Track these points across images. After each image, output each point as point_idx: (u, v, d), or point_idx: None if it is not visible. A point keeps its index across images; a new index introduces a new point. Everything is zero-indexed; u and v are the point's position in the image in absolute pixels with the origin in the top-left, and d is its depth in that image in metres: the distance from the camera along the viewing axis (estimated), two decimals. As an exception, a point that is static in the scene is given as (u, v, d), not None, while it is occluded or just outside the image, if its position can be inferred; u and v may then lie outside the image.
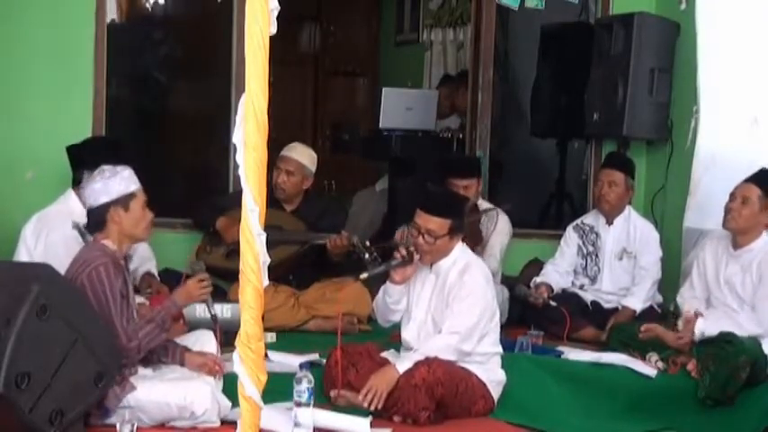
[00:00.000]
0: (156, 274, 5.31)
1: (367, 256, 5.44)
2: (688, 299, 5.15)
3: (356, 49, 10.20)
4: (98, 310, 3.86)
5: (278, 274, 5.00)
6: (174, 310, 4.13)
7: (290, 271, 5.71)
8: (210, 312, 4.31)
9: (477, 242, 5.68)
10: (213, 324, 4.34)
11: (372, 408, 4.11)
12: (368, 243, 5.56)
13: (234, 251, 5.12)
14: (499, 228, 5.92)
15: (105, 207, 3.99)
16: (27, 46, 5.87)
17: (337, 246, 5.60)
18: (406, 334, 4.49)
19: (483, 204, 6.02)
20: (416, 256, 4.36)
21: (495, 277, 5.59)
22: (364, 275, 4.56)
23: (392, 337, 4.84)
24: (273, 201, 5.70)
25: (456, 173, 5.85)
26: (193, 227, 6.00)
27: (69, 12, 5.94)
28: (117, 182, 4.00)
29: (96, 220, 4.03)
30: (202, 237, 5.83)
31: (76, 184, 4.83)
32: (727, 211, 4.95)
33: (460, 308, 4.30)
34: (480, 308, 4.33)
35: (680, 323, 4.99)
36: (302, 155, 5.86)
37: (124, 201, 4.00)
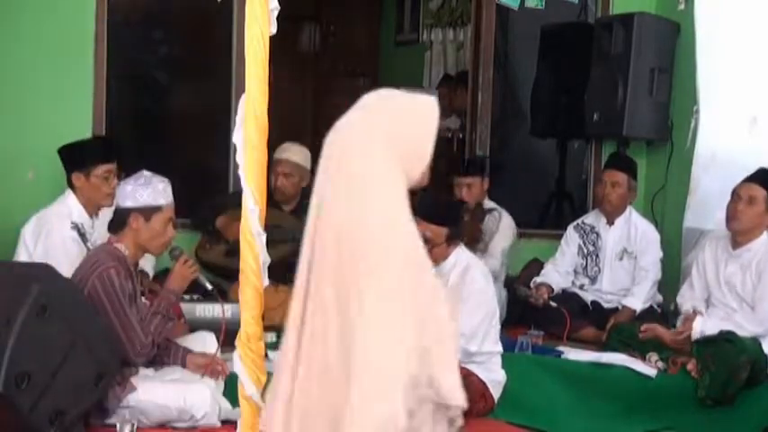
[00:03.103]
0: (149, 273, 5.27)
1: None
2: (688, 299, 5.15)
3: (356, 49, 10.19)
4: (111, 312, 3.87)
5: (276, 272, 4.98)
6: (172, 297, 4.14)
7: (288, 269, 5.69)
8: (206, 287, 4.30)
9: (476, 240, 5.68)
10: (215, 296, 4.32)
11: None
12: None
13: (233, 250, 5.12)
14: (502, 228, 5.91)
15: (128, 211, 4.00)
16: (27, 46, 5.87)
17: None
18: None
19: (487, 204, 6.01)
20: None
21: (498, 278, 5.59)
22: None
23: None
24: (272, 202, 5.70)
25: (459, 170, 5.88)
26: (193, 227, 5.99)
27: (69, 12, 5.93)
28: (147, 191, 4.01)
29: (117, 220, 4.05)
30: (201, 234, 5.83)
31: (69, 185, 4.81)
32: (733, 211, 4.93)
33: (464, 309, 4.30)
34: (483, 308, 4.34)
35: (679, 321, 5.00)
36: (297, 154, 5.85)
37: (147, 211, 4.00)
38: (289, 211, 5.86)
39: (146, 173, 4.09)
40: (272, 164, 5.72)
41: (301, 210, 5.85)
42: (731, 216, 4.94)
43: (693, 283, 5.18)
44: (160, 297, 4.12)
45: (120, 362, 3.90)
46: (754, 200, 4.89)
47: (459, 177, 5.84)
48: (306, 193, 5.90)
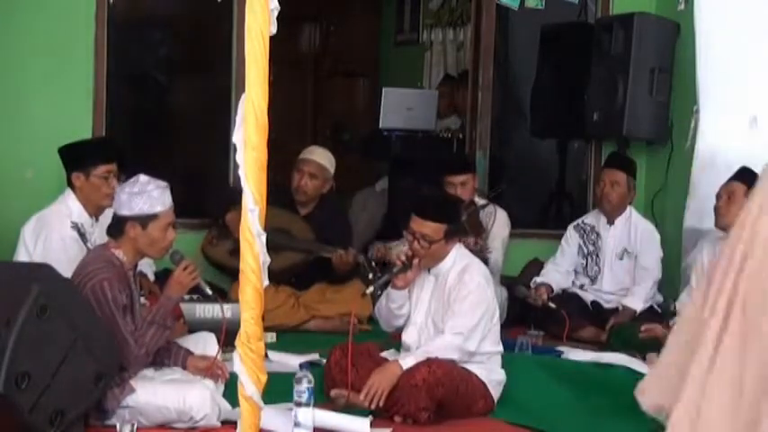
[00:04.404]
0: (148, 274, 5.26)
1: (371, 275, 5.44)
2: (688, 304, 5.15)
3: (356, 49, 10.18)
4: (105, 322, 3.86)
5: (280, 277, 4.97)
6: (170, 305, 4.10)
7: (292, 275, 5.70)
8: (207, 293, 4.26)
9: (478, 233, 5.70)
10: (215, 301, 4.31)
11: (373, 406, 4.11)
12: (373, 263, 5.58)
13: (238, 249, 5.11)
14: (498, 221, 5.95)
15: (124, 219, 3.96)
16: (27, 46, 5.87)
17: (343, 262, 5.61)
18: (407, 337, 4.48)
19: (479, 201, 6.04)
20: (416, 260, 4.36)
21: (498, 272, 5.62)
22: (370, 289, 4.58)
23: (393, 337, 4.84)
24: (289, 202, 5.70)
25: (451, 170, 5.87)
26: (204, 224, 5.97)
27: (69, 12, 5.94)
28: (142, 199, 3.94)
29: (115, 227, 4.01)
30: (209, 229, 5.82)
31: (69, 185, 4.81)
32: (716, 210, 5.01)
33: (462, 308, 4.29)
34: (482, 307, 4.33)
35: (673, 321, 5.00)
36: (323, 158, 5.87)
37: (143, 220, 3.94)
38: (303, 215, 5.84)
39: (142, 178, 4.00)
40: (287, 163, 5.74)
41: (315, 216, 5.83)
42: (716, 216, 5.02)
43: (694, 287, 5.17)
44: (158, 304, 4.07)
45: (119, 364, 3.89)
46: (733, 195, 4.94)
47: (451, 176, 5.82)
48: (323, 199, 5.89)
